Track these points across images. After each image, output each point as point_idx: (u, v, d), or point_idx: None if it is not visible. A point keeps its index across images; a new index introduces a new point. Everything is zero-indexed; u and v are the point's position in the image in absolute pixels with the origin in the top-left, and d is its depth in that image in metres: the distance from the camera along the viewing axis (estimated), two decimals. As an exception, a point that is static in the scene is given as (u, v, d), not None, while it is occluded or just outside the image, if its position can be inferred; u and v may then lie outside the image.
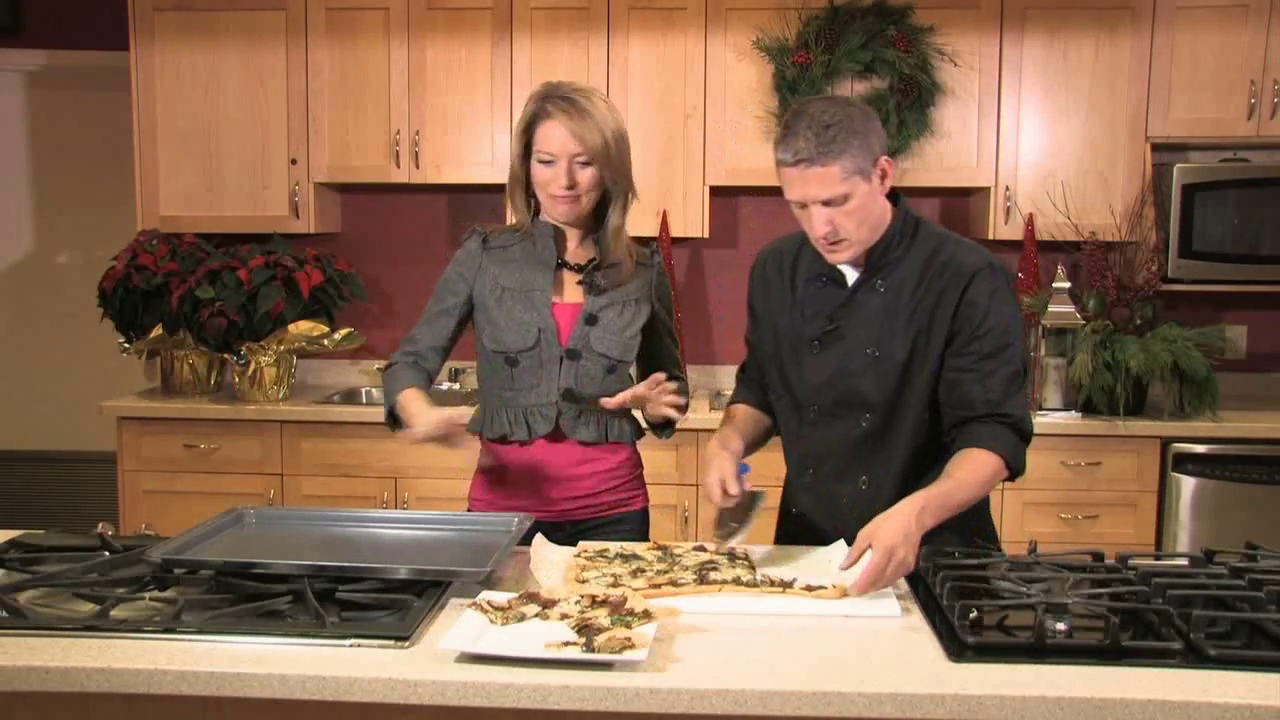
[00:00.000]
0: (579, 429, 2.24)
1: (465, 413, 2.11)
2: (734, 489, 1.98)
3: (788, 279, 2.14)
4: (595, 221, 2.28)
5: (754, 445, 2.21)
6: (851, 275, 2.07)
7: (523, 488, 2.26)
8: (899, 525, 1.78)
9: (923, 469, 2.03)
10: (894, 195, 2.06)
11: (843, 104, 1.96)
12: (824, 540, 2.05)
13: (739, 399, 2.30)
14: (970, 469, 1.94)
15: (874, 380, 2.03)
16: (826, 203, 1.93)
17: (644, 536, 2.35)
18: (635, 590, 1.75)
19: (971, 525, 2.10)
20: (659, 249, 2.39)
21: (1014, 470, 2.00)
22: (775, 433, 2.27)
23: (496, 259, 2.27)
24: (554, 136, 2.16)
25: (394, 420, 2.21)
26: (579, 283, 2.27)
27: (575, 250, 2.29)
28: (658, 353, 2.37)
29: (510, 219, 2.36)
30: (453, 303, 2.29)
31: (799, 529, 2.16)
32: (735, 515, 2.01)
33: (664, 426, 2.33)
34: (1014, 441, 1.99)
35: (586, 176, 2.18)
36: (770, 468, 2.27)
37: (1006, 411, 1.98)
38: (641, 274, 2.31)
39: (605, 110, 2.19)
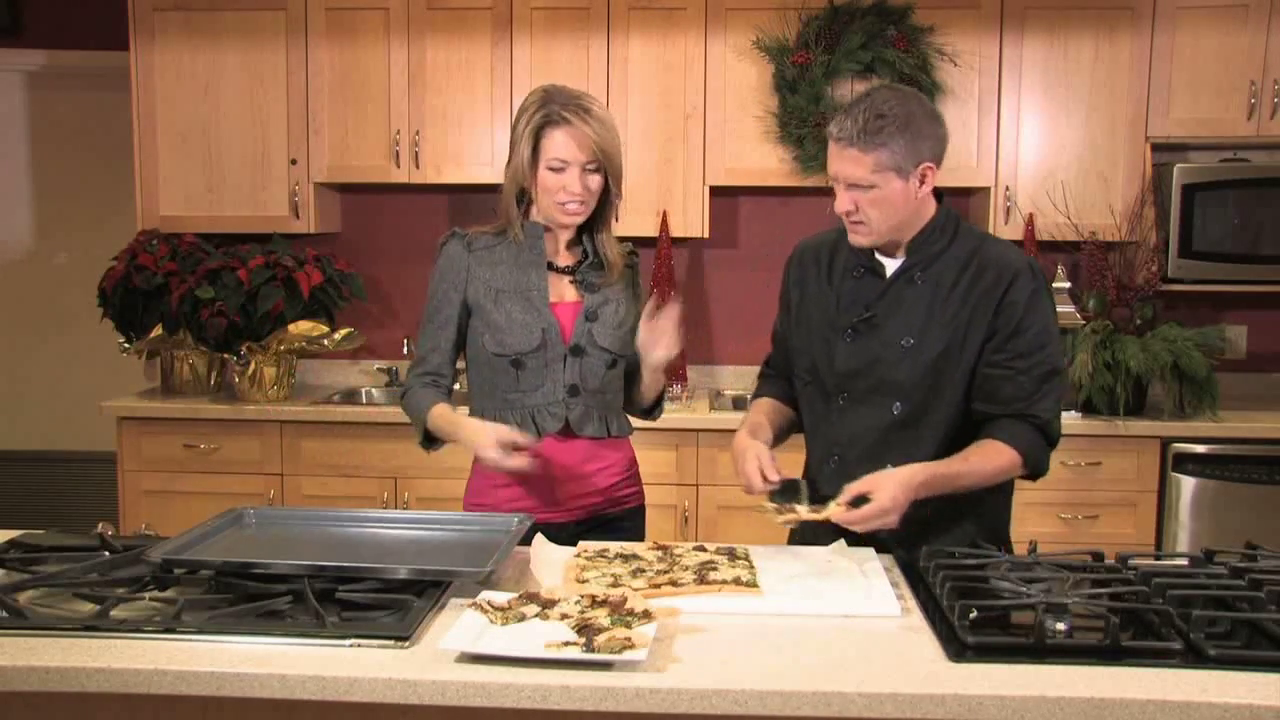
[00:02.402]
0: (587, 425, 2.25)
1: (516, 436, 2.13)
2: (773, 475, 1.99)
3: (824, 271, 2.17)
4: (581, 225, 2.28)
5: (779, 438, 2.23)
6: (890, 267, 2.09)
7: (529, 489, 2.25)
8: (900, 492, 1.87)
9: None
10: (937, 193, 2.09)
11: (910, 100, 2.01)
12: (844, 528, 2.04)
13: (762, 393, 2.31)
14: (984, 457, 1.99)
15: (907, 369, 2.05)
16: (853, 185, 1.98)
17: (643, 532, 2.36)
18: (635, 590, 1.75)
19: (991, 525, 2.12)
20: (634, 249, 2.40)
21: (1033, 470, 2.04)
22: (798, 428, 2.28)
23: (483, 261, 2.26)
24: (568, 143, 2.16)
25: (429, 440, 2.28)
26: (573, 281, 2.28)
27: (563, 253, 2.29)
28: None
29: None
30: (449, 313, 2.28)
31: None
32: (785, 499, 1.99)
33: (653, 407, 2.37)
34: (1036, 441, 2.03)
35: (595, 183, 2.20)
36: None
37: (1034, 412, 2.02)
38: (625, 272, 2.34)
39: (609, 115, 2.22)
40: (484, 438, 2.10)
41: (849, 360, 2.09)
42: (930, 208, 2.07)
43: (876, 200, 1.98)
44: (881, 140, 1.94)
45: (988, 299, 2.02)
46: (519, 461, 2.10)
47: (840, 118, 1.99)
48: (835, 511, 1.87)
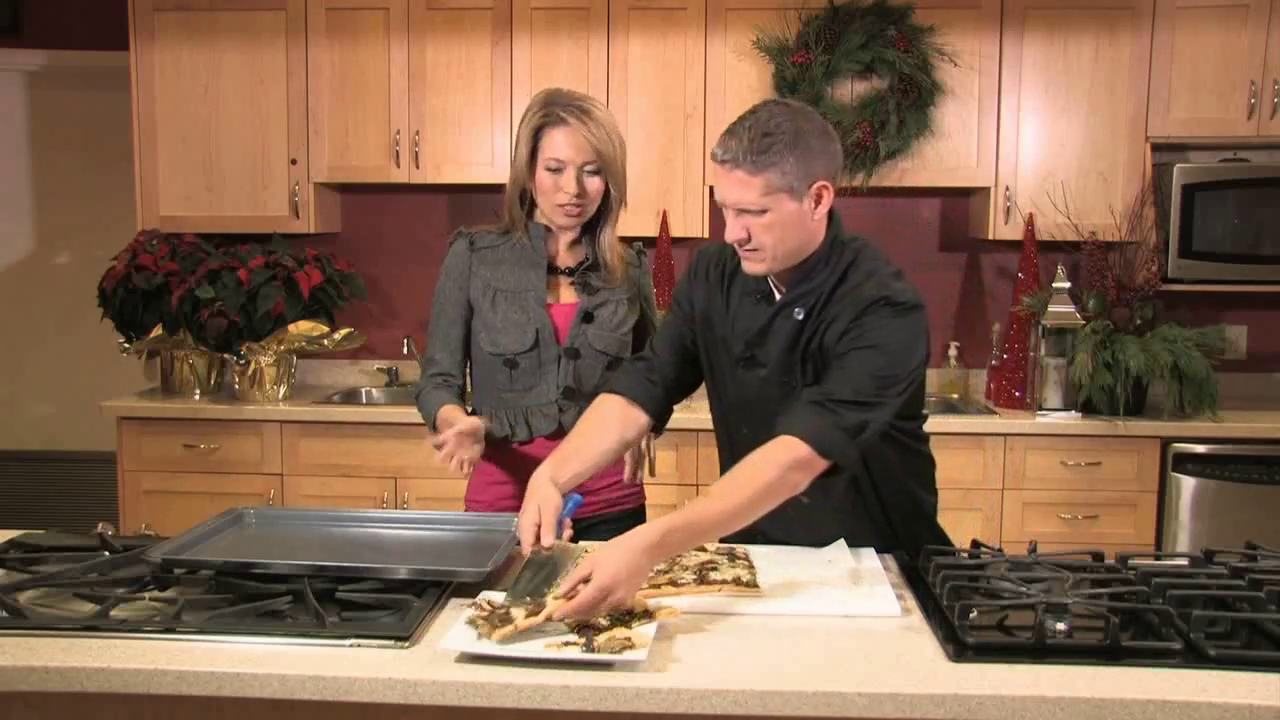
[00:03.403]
0: None
1: (472, 425, 2.13)
2: (548, 538, 1.79)
3: (725, 289, 2.05)
4: (585, 226, 2.28)
5: (613, 453, 2.07)
6: (778, 296, 1.98)
7: (524, 487, 2.25)
8: (623, 564, 1.62)
9: (861, 482, 2.00)
10: (831, 214, 1.95)
11: (799, 115, 1.86)
12: (842, 529, 2.02)
13: (617, 387, 2.10)
14: (741, 480, 1.77)
15: (788, 407, 1.91)
16: (743, 210, 1.86)
17: None
18: (635, 590, 1.74)
19: (920, 539, 2.03)
20: (643, 249, 2.40)
21: (827, 454, 1.78)
22: (654, 429, 2.14)
23: (485, 260, 2.27)
24: (565, 143, 2.16)
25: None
26: (572, 283, 2.28)
27: (564, 254, 2.29)
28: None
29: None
30: (456, 314, 2.28)
31: (748, 533, 1.93)
32: (537, 573, 1.74)
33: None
34: (828, 427, 1.78)
35: (594, 185, 2.19)
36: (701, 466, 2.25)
37: (822, 399, 1.80)
38: (629, 274, 2.33)
39: (610, 119, 2.21)
40: (442, 434, 2.11)
41: (743, 391, 2.01)
42: (822, 232, 1.92)
43: (770, 225, 1.85)
44: (770, 160, 1.80)
45: (838, 325, 1.88)
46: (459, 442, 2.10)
47: (724, 138, 1.84)
48: (555, 607, 1.58)
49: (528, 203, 2.26)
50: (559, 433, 2.24)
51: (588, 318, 2.25)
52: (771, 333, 1.96)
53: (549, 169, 2.18)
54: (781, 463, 1.76)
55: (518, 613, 1.59)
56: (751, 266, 1.93)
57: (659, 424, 2.14)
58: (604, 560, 1.62)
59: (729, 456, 2.11)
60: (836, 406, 1.80)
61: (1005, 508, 3.67)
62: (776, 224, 1.86)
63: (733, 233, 1.89)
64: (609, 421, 2.06)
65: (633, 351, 2.33)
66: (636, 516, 2.37)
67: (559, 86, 2.26)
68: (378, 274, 4.36)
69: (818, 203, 1.87)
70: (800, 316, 1.94)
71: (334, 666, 1.49)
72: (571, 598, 1.58)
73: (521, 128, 2.21)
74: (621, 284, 2.30)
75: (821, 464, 1.79)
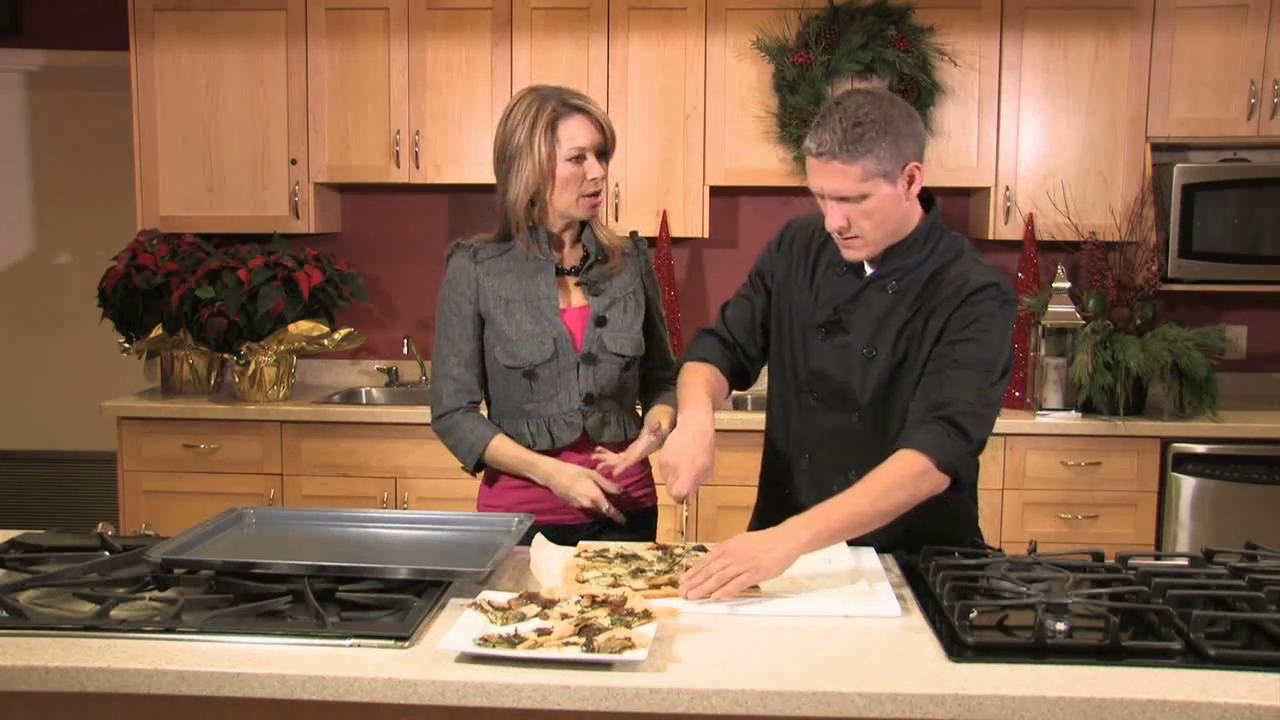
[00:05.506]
0: (604, 431, 2.24)
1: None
2: (691, 501, 1.97)
3: (811, 260, 2.12)
4: (580, 220, 2.27)
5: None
6: (869, 270, 2.06)
7: (545, 492, 2.23)
8: (750, 540, 1.81)
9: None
10: (929, 199, 2.04)
11: (885, 102, 1.93)
12: None
13: (710, 356, 2.19)
14: (870, 484, 1.85)
15: (863, 379, 2.02)
16: (843, 199, 1.92)
17: (655, 534, 2.36)
18: (635, 590, 1.75)
19: (962, 539, 2.07)
20: (641, 238, 2.38)
21: (950, 473, 1.86)
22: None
23: (490, 271, 2.23)
24: (586, 130, 2.16)
25: (479, 467, 2.27)
26: (577, 283, 2.26)
27: (567, 253, 2.28)
28: (652, 345, 2.34)
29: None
30: (468, 329, 2.24)
31: (790, 509, 1.93)
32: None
33: None
34: (952, 443, 1.86)
35: (606, 169, 2.21)
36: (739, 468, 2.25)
37: (950, 414, 1.87)
38: (630, 264, 2.31)
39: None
40: (580, 488, 2.17)
41: (817, 360, 2.07)
42: (917, 213, 2.02)
43: (869, 210, 1.92)
44: (865, 148, 1.87)
45: (940, 313, 1.96)
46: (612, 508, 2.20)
47: (816, 131, 1.91)
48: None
49: (537, 207, 2.23)
50: (584, 441, 2.23)
51: (601, 321, 2.23)
52: (861, 302, 2.03)
53: (571, 159, 2.16)
54: (913, 474, 1.84)
55: (530, 609, 1.65)
56: (852, 254, 2.00)
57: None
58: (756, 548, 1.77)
59: (790, 428, 2.15)
60: (959, 421, 1.87)
61: (1005, 508, 3.67)
62: (875, 209, 1.93)
63: (833, 221, 1.95)
64: (717, 382, 2.15)
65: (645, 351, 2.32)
66: (650, 518, 2.36)
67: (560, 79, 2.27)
68: (378, 274, 4.36)
69: (910, 183, 1.95)
70: (893, 291, 2.01)
71: (334, 666, 1.49)
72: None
73: (525, 130, 2.15)
74: (626, 275, 2.28)
75: (944, 480, 1.86)
